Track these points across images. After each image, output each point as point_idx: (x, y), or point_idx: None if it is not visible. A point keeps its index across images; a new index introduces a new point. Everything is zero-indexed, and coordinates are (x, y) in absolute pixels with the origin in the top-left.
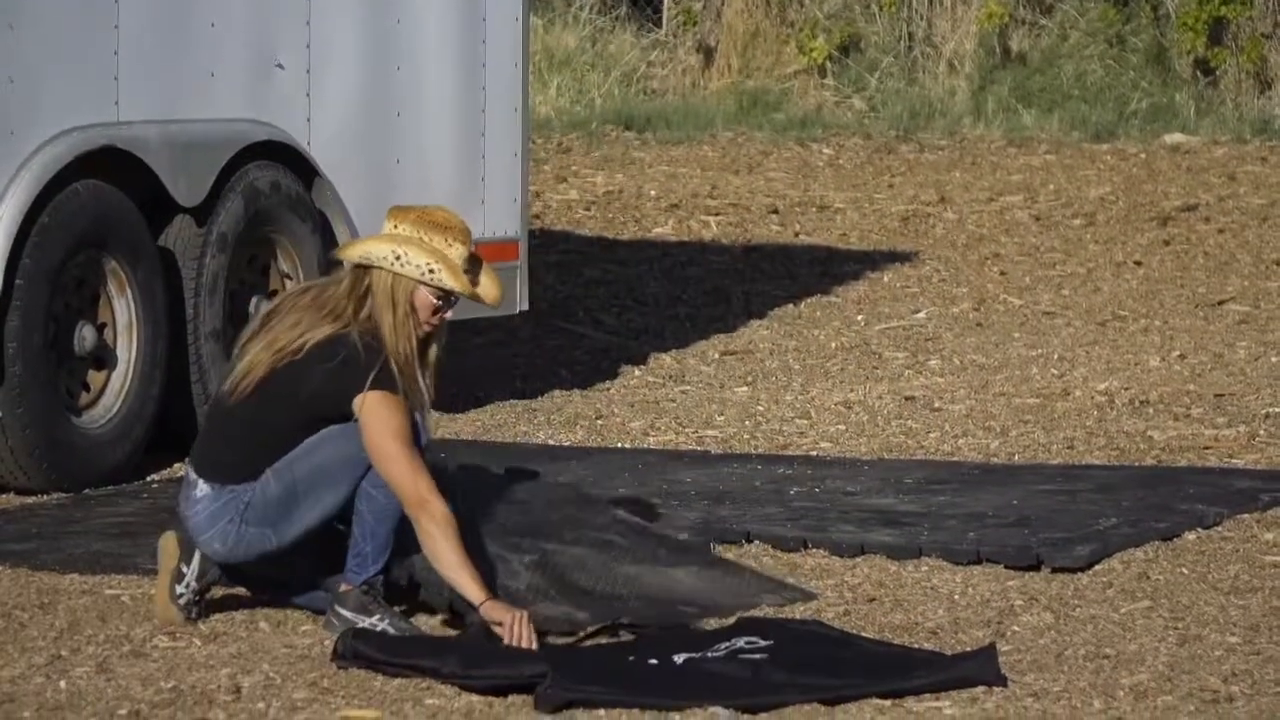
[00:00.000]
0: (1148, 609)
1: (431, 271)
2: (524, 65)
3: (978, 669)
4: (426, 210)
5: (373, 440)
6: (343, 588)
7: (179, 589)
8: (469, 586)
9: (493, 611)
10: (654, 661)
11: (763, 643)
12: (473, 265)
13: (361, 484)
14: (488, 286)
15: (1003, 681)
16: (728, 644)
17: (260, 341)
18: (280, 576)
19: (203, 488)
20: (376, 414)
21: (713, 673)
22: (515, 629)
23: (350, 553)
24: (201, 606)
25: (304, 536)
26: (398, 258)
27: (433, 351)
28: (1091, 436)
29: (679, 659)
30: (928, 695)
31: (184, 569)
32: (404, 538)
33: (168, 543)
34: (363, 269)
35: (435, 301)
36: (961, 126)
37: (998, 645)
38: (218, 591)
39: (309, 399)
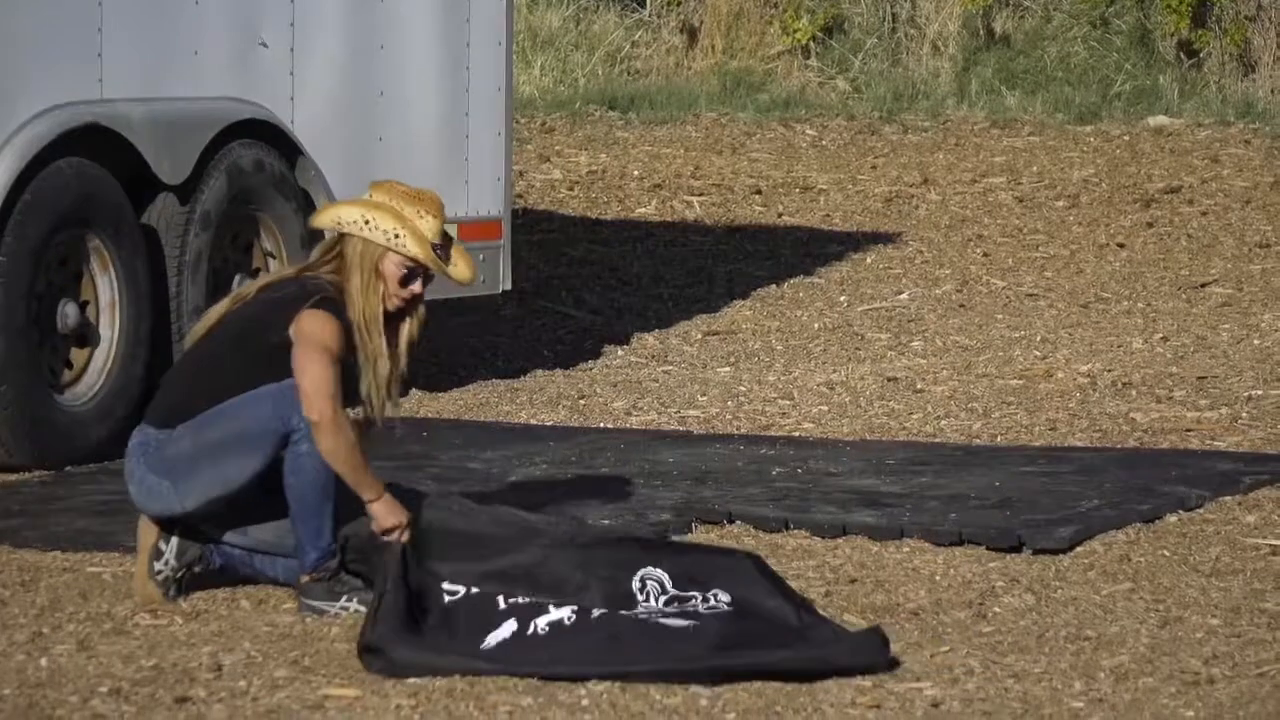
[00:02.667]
0: (1129, 591)
1: (396, 237)
2: (508, 45)
3: (850, 653)
4: (402, 185)
5: (299, 346)
6: (301, 580)
7: (157, 565)
8: (364, 482)
9: (383, 513)
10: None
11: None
12: (445, 241)
13: (283, 470)
14: (459, 264)
15: (885, 666)
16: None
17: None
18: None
19: (141, 433)
20: (310, 324)
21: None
22: (398, 537)
23: (296, 544)
24: (181, 585)
25: (208, 506)
26: (366, 222)
27: (405, 329)
28: (1074, 418)
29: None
30: (909, 677)
31: (162, 547)
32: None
33: (146, 521)
34: (336, 238)
35: (401, 271)
36: (945, 108)
37: (979, 626)
38: (198, 569)
39: (245, 327)
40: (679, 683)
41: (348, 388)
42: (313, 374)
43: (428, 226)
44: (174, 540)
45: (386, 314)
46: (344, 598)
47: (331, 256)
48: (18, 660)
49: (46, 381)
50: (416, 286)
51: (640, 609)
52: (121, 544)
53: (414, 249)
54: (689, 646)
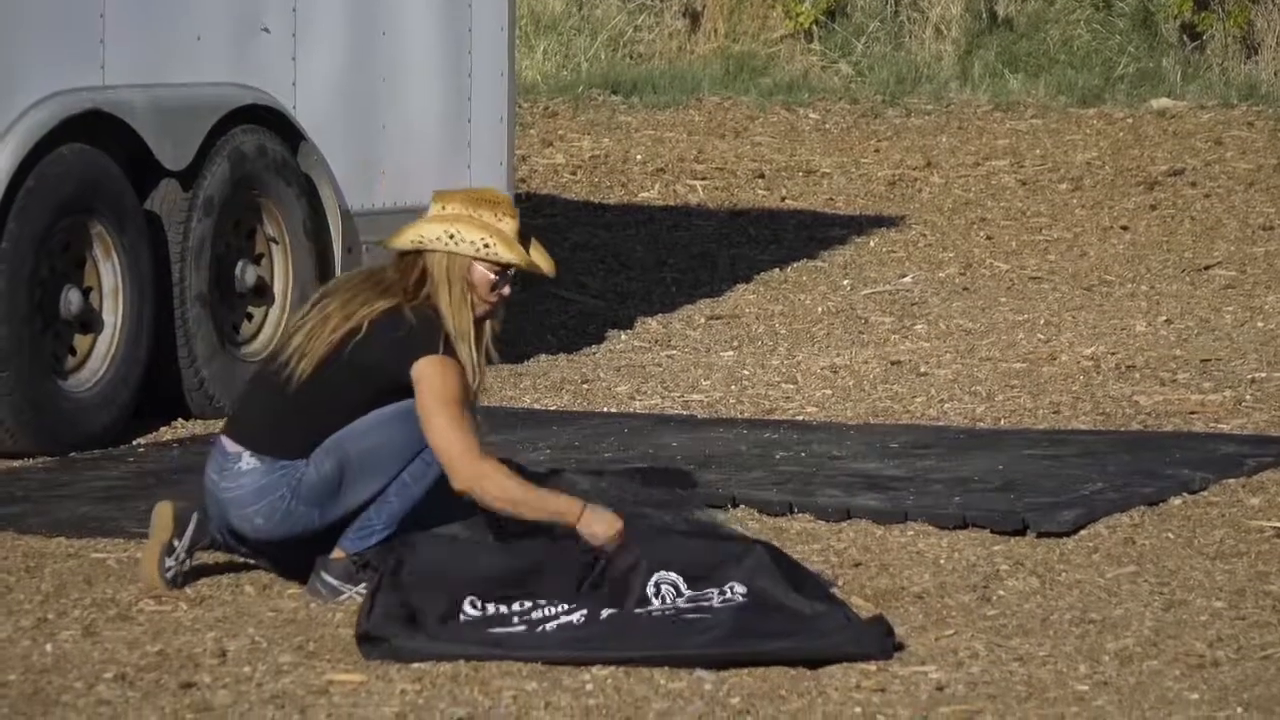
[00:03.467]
0: (1133, 574)
1: (486, 246)
2: (510, 29)
3: (853, 641)
4: (471, 189)
5: (425, 402)
6: (335, 554)
7: (169, 562)
8: (558, 509)
9: (596, 523)
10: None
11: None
12: (524, 238)
13: (401, 473)
14: (542, 258)
15: (887, 654)
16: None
17: (314, 320)
18: (288, 558)
19: (250, 460)
20: (432, 378)
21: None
22: (612, 543)
23: (357, 524)
24: (184, 575)
25: (343, 518)
26: (451, 236)
27: (488, 329)
28: (1078, 401)
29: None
30: (913, 660)
31: (175, 543)
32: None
33: (164, 513)
34: (413, 254)
35: (492, 277)
36: (948, 91)
37: (983, 610)
38: (200, 556)
39: (369, 370)
40: (683, 667)
41: None
42: (447, 439)
43: (509, 228)
44: (187, 537)
45: (474, 319)
46: (362, 584)
47: (417, 275)
48: (23, 646)
49: (50, 367)
50: (505, 289)
51: (654, 607)
52: (126, 530)
53: (506, 254)
54: (698, 636)
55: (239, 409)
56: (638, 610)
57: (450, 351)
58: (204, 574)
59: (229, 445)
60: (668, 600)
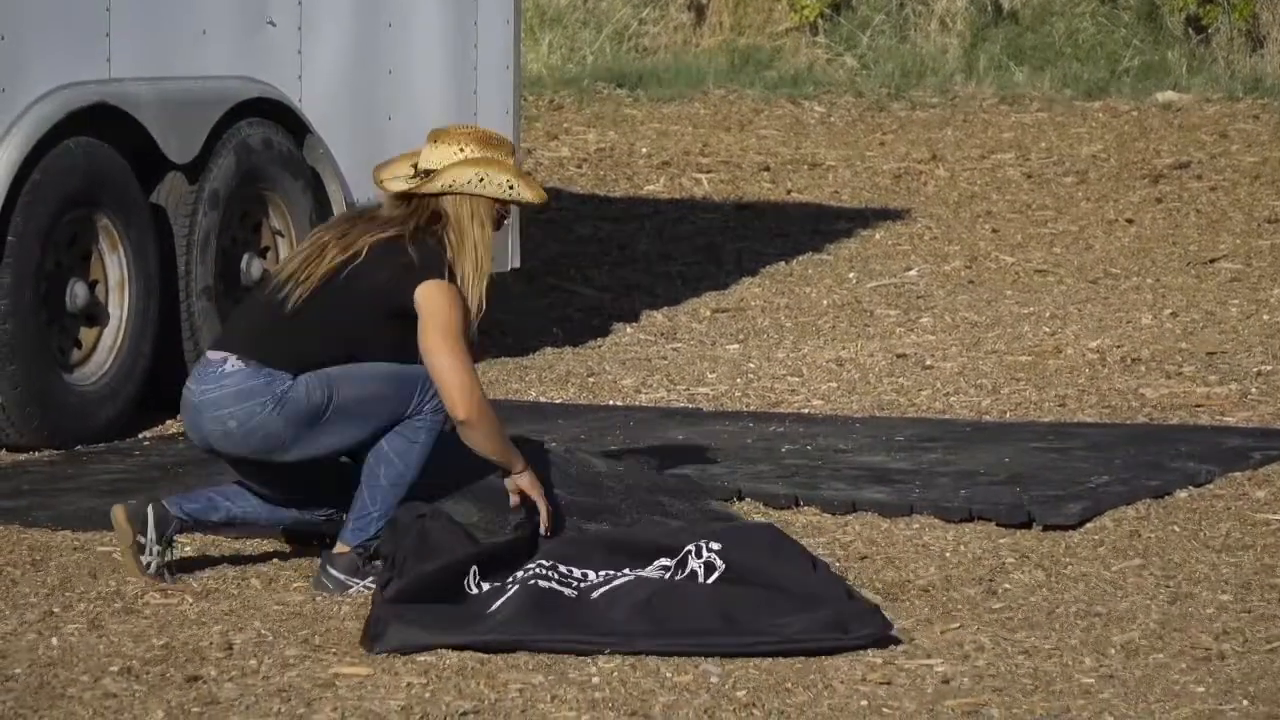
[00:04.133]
0: (1139, 567)
1: (511, 188)
2: (516, 22)
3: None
4: (474, 129)
5: (431, 330)
6: (338, 549)
7: (145, 559)
8: (507, 455)
9: (528, 485)
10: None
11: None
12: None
13: (383, 446)
14: (534, 190)
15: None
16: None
17: (309, 250)
18: (246, 473)
19: (235, 364)
20: (440, 304)
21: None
22: (531, 499)
23: (353, 514)
24: (173, 559)
25: (306, 460)
26: (481, 179)
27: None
28: (1083, 394)
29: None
30: (919, 653)
31: (141, 540)
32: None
33: (118, 518)
34: (421, 197)
35: (500, 215)
36: (953, 84)
37: (989, 603)
38: (186, 543)
39: (366, 294)
40: (684, 655)
41: None
42: (455, 370)
43: (515, 164)
44: (150, 528)
45: None
46: (369, 578)
47: (428, 216)
48: (29, 639)
49: (56, 361)
50: (505, 223)
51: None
52: None
53: (529, 194)
54: (694, 611)
55: (226, 326)
56: (629, 574)
57: (452, 276)
58: (209, 567)
59: (213, 355)
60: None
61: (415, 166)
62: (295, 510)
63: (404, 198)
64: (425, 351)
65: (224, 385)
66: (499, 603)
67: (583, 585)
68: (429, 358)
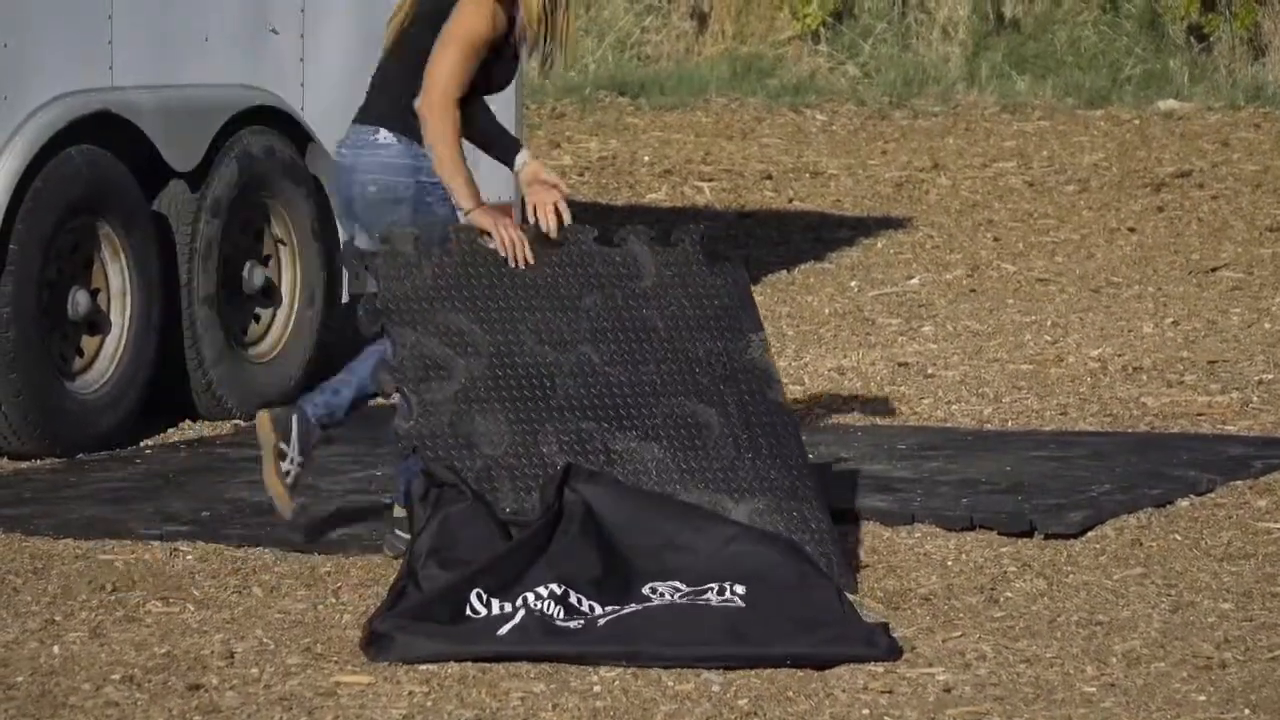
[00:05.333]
0: (1141, 575)
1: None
2: None
3: (864, 638)
4: None
5: (446, 29)
6: (398, 512)
7: (284, 466)
8: (462, 190)
9: (480, 218)
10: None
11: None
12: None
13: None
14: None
15: (894, 655)
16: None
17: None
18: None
19: (387, 136)
20: (465, 10)
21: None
22: (503, 234)
23: (401, 478)
24: (306, 479)
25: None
26: None
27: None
28: (1085, 403)
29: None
30: (921, 662)
31: (284, 446)
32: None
33: (263, 423)
34: None
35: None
36: (955, 93)
37: (991, 611)
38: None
39: (437, 15)
40: (688, 667)
41: (503, 76)
42: (440, 69)
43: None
44: (294, 436)
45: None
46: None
47: None
48: (30, 648)
49: (57, 369)
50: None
51: (654, 602)
52: (133, 531)
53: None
54: (699, 631)
55: (365, 99)
56: (635, 607)
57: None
58: (210, 576)
59: (358, 127)
60: (667, 596)
61: None
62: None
63: None
64: (435, 47)
65: (378, 155)
66: (506, 629)
67: (590, 617)
68: (434, 52)
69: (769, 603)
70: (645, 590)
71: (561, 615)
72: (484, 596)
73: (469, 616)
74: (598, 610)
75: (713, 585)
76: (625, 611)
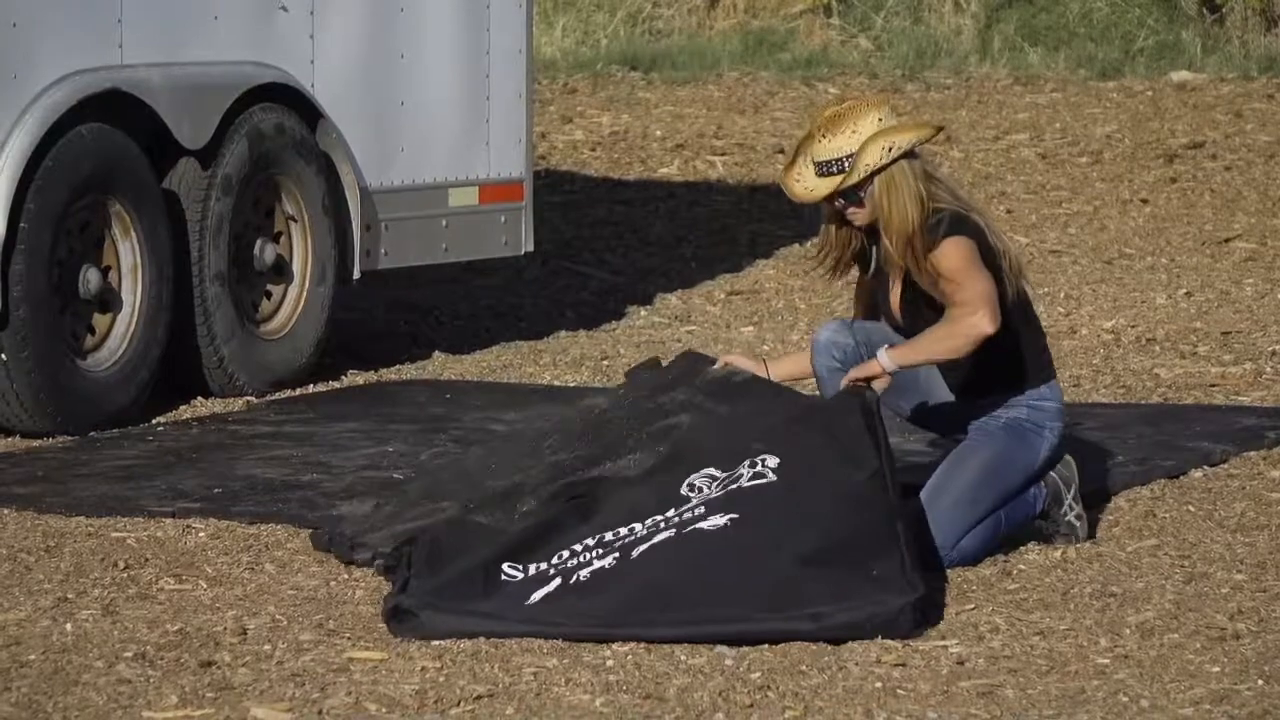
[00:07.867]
0: (1154, 547)
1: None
2: (529, 6)
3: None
4: (837, 110)
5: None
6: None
7: None
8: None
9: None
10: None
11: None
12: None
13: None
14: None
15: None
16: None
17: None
18: None
19: None
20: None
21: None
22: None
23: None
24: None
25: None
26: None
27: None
28: (1098, 374)
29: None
30: (934, 634)
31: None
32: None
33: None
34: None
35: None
36: (967, 65)
37: (1004, 584)
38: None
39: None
40: (704, 643)
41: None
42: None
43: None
44: None
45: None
46: None
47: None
48: (43, 626)
49: (69, 347)
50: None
51: (687, 508)
52: (145, 509)
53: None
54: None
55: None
56: (661, 535)
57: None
58: (224, 554)
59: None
60: (702, 490)
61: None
62: None
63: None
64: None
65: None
66: (539, 595)
67: (626, 542)
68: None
69: (801, 481)
70: (684, 490)
71: (597, 556)
72: (518, 565)
73: (503, 582)
74: (638, 530)
75: (745, 461)
76: (659, 538)
